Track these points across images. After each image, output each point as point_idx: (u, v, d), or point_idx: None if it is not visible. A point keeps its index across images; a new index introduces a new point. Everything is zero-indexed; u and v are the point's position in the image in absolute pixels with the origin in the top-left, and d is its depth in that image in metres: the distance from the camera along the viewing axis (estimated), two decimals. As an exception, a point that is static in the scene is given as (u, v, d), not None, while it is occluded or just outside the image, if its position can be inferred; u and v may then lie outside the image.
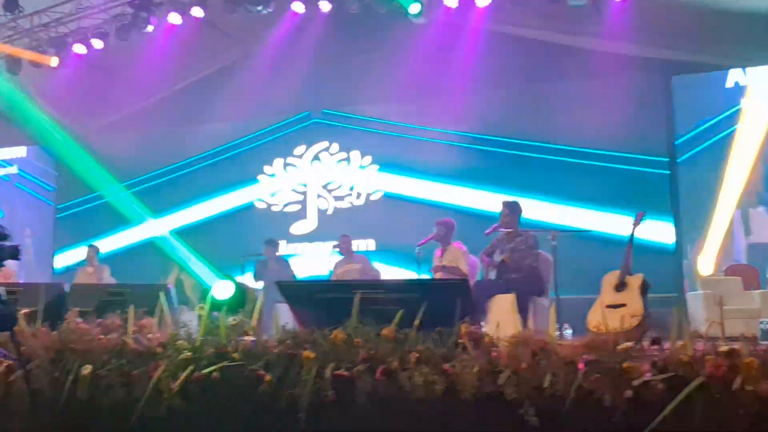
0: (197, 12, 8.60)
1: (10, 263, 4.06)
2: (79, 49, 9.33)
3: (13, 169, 11.91)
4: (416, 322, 3.74)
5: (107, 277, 8.84)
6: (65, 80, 10.00)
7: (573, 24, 8.81)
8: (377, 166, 9.86)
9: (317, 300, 4.14)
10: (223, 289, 4.85)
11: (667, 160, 8.37)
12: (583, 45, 8.77)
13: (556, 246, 5.50)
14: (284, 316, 5.05)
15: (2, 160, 11.93)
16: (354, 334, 3.79)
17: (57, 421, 4.02)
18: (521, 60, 9.07)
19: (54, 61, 9.79)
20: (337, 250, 8.10)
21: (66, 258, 10.98)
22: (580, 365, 3.23)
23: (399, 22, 9.15)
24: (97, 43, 9.20)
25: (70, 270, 10.31)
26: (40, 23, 9.44)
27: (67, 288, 5.31)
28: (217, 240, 10.14)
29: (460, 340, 3.55)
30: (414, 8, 8.86)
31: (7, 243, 3.92)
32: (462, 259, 6.31)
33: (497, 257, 5.89)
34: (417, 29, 9.07)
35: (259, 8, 8.51)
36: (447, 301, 3.68)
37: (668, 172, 8.35)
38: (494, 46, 8.81)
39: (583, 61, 8.68)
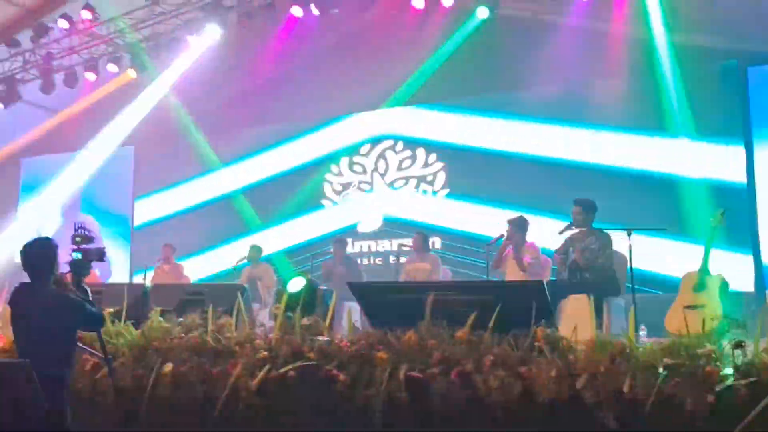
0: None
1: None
2: (152, 54, 9.64)
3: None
4: (490, 324, 3.73)
5: (183, 275, 9.14)
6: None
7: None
8: (443, 164, 9.80)
9: (389, 301, 4.17)
10: (295, 287, 4.91)
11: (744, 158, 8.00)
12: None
13: (631, 245, 5.35)
14: (353, 315, 5.12)
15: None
16: (427, 336, 3.81)
17: (140, 417, 4.17)
18: (590, 54, 8.82)
19: (132, 73, 10.22)
20: (407, 248, 8.04)
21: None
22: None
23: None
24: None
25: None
26: (116, 29, 9.77)
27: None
28: (286, 239, 10.34)
29: (536, 343, 3.51)
30: (482, 12, 8.84)
31: (93, 246, 4.07)
32: (538, 258, 6.21)
33: (570, 257, 5.78)
34: (488, 24, 9.00)
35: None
36: (522, 303, 3.63)
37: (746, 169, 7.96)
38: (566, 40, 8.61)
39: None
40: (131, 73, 10.33)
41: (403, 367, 3.64)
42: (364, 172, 10.35)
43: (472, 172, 9.45)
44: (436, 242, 9.17)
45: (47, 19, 9.66)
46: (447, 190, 9.71)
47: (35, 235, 4.02)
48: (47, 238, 3.88)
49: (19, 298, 3.79)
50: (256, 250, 8.79)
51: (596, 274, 5.62)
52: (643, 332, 4.75)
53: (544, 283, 4.12)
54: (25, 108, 10.62)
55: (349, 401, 3.73)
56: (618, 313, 5.61)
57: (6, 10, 9.61)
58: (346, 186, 10.47)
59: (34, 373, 3.20)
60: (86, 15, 9.24)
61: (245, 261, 8.69)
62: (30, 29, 9.71)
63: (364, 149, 10.41)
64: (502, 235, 6.35)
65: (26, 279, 3.80)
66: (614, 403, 3.22)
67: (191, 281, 9.27)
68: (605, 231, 5.77)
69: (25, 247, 3.79)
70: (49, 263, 3.77)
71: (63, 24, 9.38)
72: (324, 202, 10.57)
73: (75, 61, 10.01)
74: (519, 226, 6.34)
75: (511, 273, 6.27)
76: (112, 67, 9.96)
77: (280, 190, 10.71)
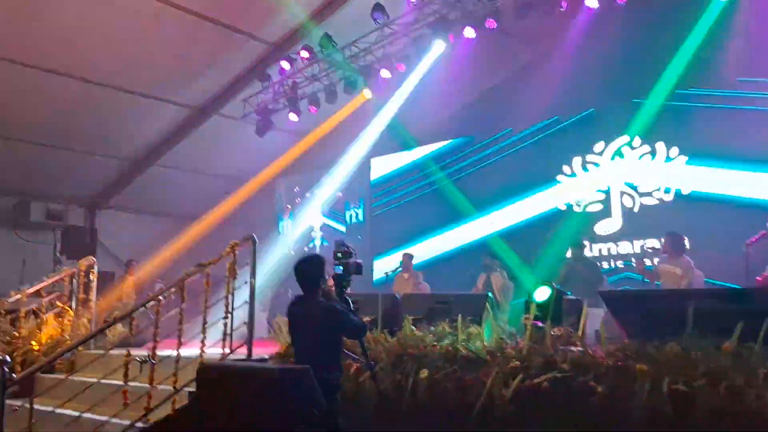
0: (490, 24, 8.83)
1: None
2: (384, 74, 10.16)
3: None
4: (761, 334, 3.43)
5: (421, 283, 9.51)
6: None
7: None
8: (686, 158, 9.09)
9: (644, 310, 4.00)
10: (542, 296, 4.90)
11: None
12: None
13: None
14: (596, 322, 4.97)
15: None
16: (690, 347, 3.60)
17: (400, 420, 4.43)
18: None
19: (367, 94, 10.95)
20: (651, 250, 7.56)
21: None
22: None
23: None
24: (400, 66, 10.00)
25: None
26: (350, 54, 10.46)
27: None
28: (522, 242, 10.29)
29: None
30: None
31: (352, 260, 4.42)
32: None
33: None
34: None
35: (550, 10, 8.46)
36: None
37: None
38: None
39: None
40: (366, 94, 11.01)
41: (666, 380, 3.48)
42: (599, 172, 9.96)
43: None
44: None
45: (291, 51, 10.67)
46: (692, 188, 8.99)
47: (299, 247, 4.48)
48: (316, 255, 4.30)
49: (294, 308, 4.25)
50: (492, 257, 8.99)
51: None
52: None
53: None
54: (277, 134, 11.79)
55: (606, 413, 3.65)
56: None
57: (256, 48, 10.78)
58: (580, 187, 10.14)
59: (313, 378, 3.57)
60: (326, 44, 10.03)
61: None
62: (277, 63, 10.80)
63: (598, 147, 10.02)
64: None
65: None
66: None
67: (428, 288, 9.61)
68: None
69: (298, 263, 4.24)
70: (318, 277, 4.18)
71: (305, 54, 10.27)
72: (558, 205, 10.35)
73: (316, 87, 10.90)
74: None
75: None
76: (348, 90, 10.67)
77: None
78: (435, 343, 4.47)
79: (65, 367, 6.19)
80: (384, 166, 12.84)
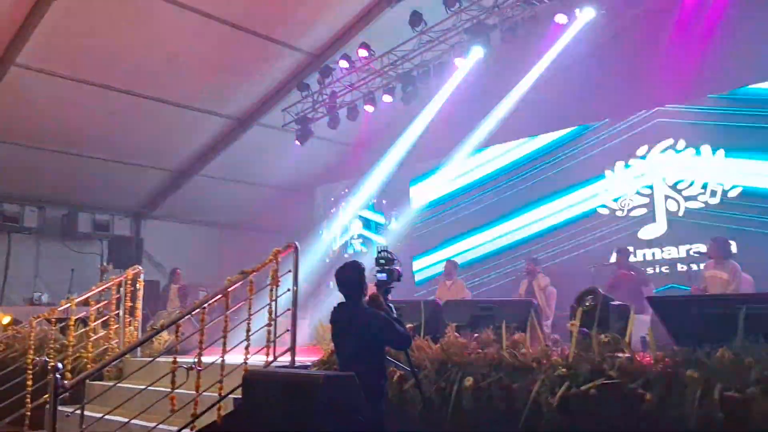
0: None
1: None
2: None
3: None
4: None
5: (463, 290, 9.47)
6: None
7: None
8: (732, 160, 8.88)
9: (693, 315, 3.91)
10: (584, 302, 4.83)
11: None
12: None
13: None
14: (643, 328, 4.88)
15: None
16: (742, 353, 3.51)
17: (445, 427, 4.41)
18: None
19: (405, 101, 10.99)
20: (698, 254, 7.40)
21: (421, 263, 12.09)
22: None
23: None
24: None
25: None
26: (389, 62, 10.49)
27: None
28: (562, 248, 10.18)
29: None
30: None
31: (395, 267, 4.42)
32: None
33: None
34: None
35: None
36: None
37: None
38: None
39: None
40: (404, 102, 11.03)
41: (718, 387, 3.40)
42: (642, 175, 9.79)
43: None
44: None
45: (330, 60, 10.76)
46: (740, 189, 8.77)
47: (337, 255, 4.50)
48: (356, 262, 4.32)
49: (337, 315, 4.27)
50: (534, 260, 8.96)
51: None
52: None
53: None
54: (316, 142, 11.90)
55: (656, 421, 3.58)
56: None
57: (296, 58, 10.90)
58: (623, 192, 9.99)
59: (358, 385, 3.58)
60: (363, 53, 10.08)
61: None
62: (316, 72, 10.90)
63: (641, 150, 9.86)
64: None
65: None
66: None
67: (470, 295, 9.56)
68: None
69: (339, 270, 4.26)
70: (360, 284, 4.19)
71: (344, 64, 10.34)
72: (600, 210, 10.20)
73: (355, 96, 10.96)
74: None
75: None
76: (387, 98, 10.70)
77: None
78: (480, 350, 4.44)
79: (113, 375, 6.32)
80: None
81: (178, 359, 4.96)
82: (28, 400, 5.90)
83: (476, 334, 4.60)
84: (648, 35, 9.48)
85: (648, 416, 3.57)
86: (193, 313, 5.43)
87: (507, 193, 11.28)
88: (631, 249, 9.04)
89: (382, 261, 4.40)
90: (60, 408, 4.87)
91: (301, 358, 5.54)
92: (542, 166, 10.93)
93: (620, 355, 3.86)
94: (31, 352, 6.43)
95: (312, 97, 11.23)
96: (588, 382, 3.79)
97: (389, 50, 10.21)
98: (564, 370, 3.88)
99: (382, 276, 4.36)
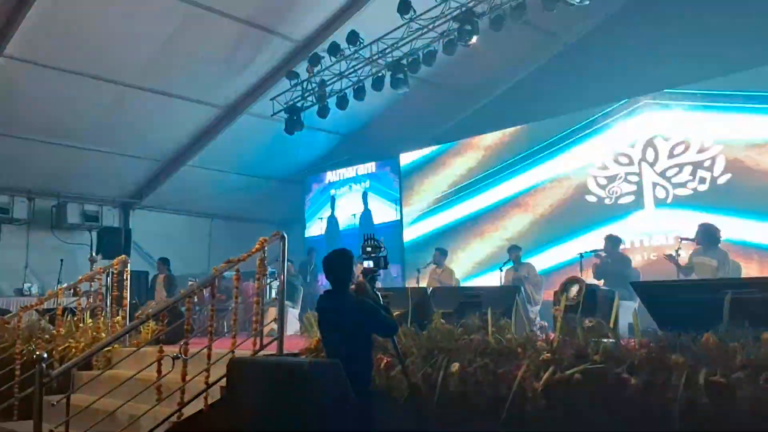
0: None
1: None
2: (411, 69, 10.10)
3: (366, 183, 13.52)
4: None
5: (452, 277, 9.49)
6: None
7: None
8: (721, 147, 8.89)
9: (678, 300, 3.92)
10: (571, 288, 4.84)
11: None
12: None
13: None
14: (629, 315, 4.88)
15: (360, 175, 13.54)
16: (727, 338, 3.52)
17: (432, 413, 4.40)
18: None
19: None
20: (687, 241, 7.40)
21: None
22: None
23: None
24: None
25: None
26: (378, 51, 10.43)
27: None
28: (551, 236, 10.19)
29: None
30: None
31: (382, 254, 4.41)
32: None
33: None
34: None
35: (577, 1, 8.35)
36: None
37: None
38: None
39: None
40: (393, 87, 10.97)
41: (703, 372, 3.40)
42: (631, 163, 9.80)
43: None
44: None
45: (318, 49, 10.69)
46: (728, 176, 8.79)
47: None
48: (345, 249, 4.30)
49: (324, 303, 4.25)
50: (516, 249, 8.97)
51: None
52: None
53: None
54: (306, 132, 11.84)
55: (641, 406, 3.58)
56: None
57: (284, 46, 10.83)
58: (611, 179, 9.99)
59: (344, 372, 3.57)
60: (351, 42, 10.03)
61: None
62: (305, 61, 10.83)
63: (629, 138, 9.87)
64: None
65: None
66: None
67: (460, 283, 9.59)
68: None
69: (326, 258, 4.24)
70: (348, 271, 4.18)
71: (332, 52, 10.29)
72: (588, 197, 10.21)
73: (344, 84, 10.90)
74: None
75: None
76: (376, 87, 10.64)
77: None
78: (465, 337, 4.43)
79: (101, 364, 6.30)
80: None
81: (165, 348, 4.95)
82: (17, 390, 5.89)
83: (462, 321, 4.60)
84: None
85: (633, 401, 3.57)
86: (180, 302, 5.42)
87: (491, 183, 11.31)
88: (619, 236, 9.04)
89: (369, 249, 4.39)
90: (48, 397, 4.87)
91: (291, 347, 5.51)
92: (532, 153, 10.93)
93: (605, 340, 3.86)
94: (20, 342, 6.41)
95: (301, 86, 11.17)
96: (573, 367, 3.79)
97: (378, 38, 10.15)
98: (548, 355, 3.88)
99: (370, 263, 4.36)
